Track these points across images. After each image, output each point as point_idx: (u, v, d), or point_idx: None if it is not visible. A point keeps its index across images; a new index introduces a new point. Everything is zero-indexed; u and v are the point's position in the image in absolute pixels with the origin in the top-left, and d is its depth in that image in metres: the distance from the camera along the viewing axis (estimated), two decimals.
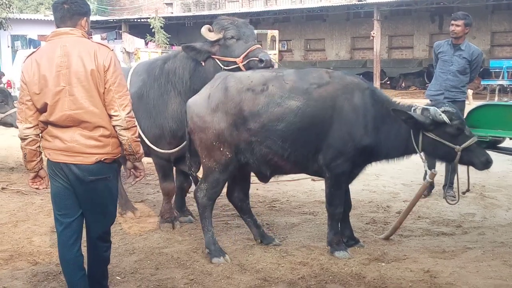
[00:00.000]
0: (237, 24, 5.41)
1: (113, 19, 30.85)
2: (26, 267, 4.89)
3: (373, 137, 4.84)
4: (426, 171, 5.24)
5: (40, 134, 3.75)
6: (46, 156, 3.76)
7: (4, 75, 20.80)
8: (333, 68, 23.29)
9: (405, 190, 7.38)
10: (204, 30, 5.43)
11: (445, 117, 4.65)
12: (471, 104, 11.60)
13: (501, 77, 20.56)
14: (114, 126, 3.68)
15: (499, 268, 4.69)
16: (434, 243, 5.37)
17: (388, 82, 26.00)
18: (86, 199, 3.77)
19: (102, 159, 3.69)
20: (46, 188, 3.92)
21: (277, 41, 25.39)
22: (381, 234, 5.57)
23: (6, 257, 5.13)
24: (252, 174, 5.40)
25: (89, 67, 3.57)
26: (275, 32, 24.82)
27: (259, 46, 5.46)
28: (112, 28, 30.59)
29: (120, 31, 28.99)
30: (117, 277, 4.62)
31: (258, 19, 29.09)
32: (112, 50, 3.77)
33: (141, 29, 28.19)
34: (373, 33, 19.13)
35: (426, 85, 21.42)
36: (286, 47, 30.72)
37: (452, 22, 7.05)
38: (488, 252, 5.08)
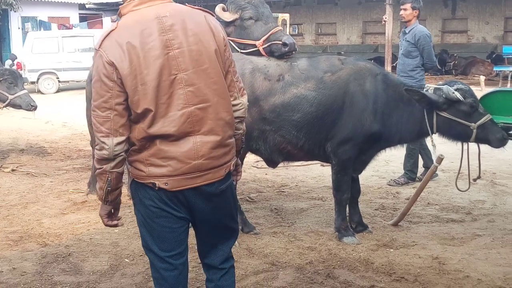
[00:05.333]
0: (254, 4, 5.10)
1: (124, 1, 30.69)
2: (36, 248, 4.93)
3: (384, 123, 4.81)
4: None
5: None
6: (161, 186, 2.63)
7: (16, 58, 20.81)
8: (344, 52, 23.19)
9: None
10: (218, 9, 5.12)
11: (458, 95, 4.60)
12: (483, 90, 11.48)
13: None
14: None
15: (508, 255, 4.67)
16: (443, 230, 5.34)
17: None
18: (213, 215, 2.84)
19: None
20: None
21: (288, 25, 25.13)
22: (390, 220, 5.55)
23: (16, 238, 5.18)
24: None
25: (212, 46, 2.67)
26: (286, 16, 24.47)
27: (281, 27, 5.11)
28: None
29: None
30: (126, 260, 4.64)
31: (269, 2, 28.34)
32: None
33: None
34: (385, 18, 18.84)
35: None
36: (297, 31, 30.43)
37: (401, 6, 7.08)
38: (498, 239, 5.06)
